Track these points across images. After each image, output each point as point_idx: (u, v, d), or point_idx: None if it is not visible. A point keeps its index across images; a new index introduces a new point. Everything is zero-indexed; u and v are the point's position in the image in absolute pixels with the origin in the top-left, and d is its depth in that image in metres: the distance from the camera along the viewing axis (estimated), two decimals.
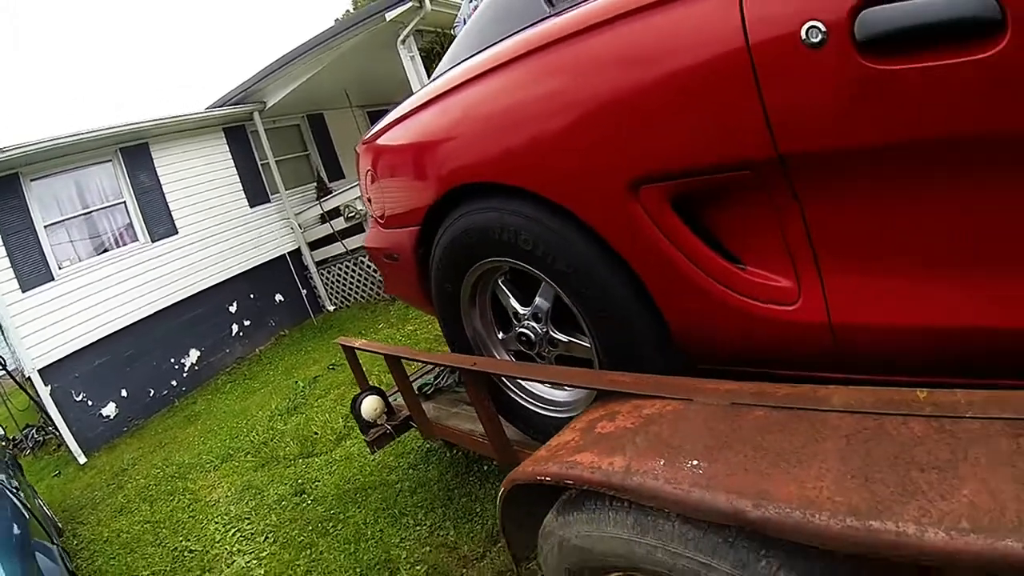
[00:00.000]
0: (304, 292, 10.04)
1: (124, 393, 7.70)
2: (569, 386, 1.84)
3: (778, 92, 1.02)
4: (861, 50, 0.91)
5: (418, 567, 2.56)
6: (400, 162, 2.09)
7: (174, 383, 8.22)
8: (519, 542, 1.47)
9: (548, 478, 1.21)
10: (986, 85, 0.85)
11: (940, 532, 0.73)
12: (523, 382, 2.01)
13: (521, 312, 1.80)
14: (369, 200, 2.40)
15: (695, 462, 1.02)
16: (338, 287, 9.88)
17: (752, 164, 1.11)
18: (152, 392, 7.96)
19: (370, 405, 2.73)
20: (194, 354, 8.53)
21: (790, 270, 1.19)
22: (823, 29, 0.93)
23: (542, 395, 1.97)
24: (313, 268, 10.07)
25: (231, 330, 9.08)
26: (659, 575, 1.09)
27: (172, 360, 8.31)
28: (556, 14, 1.43)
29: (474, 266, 1.82)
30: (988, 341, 1.02)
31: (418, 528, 2.84)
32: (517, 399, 2.02)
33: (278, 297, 9.75)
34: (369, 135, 2.29)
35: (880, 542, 0.76)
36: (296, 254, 10.05)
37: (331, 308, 10.04)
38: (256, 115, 9.60)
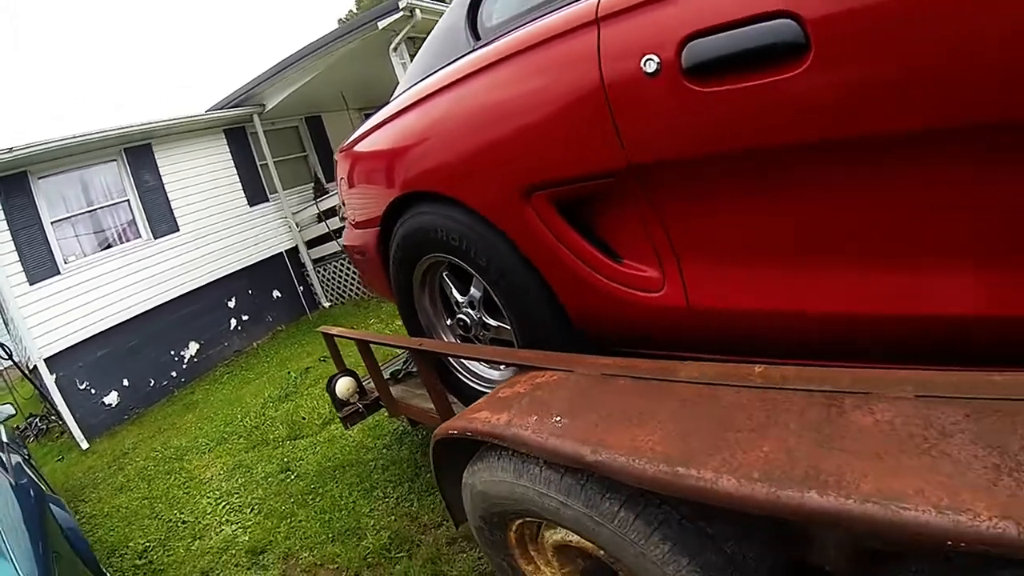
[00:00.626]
0: (301, 289, 10.36)
1: (126, 383, 8.03)
2: (494, 363, 2.15)
3: (626, 113, 1.28)
4: (687, 76, 1.13)
5: (382, 533, 2.87)
6: (364, 171, 2.40)
7: (174, 374, 8.55)
8: (456, 503, 1.77)
9: (455, 431, 1.51)
10: (796, 98, 1.02)
11: (732, 480, 0.87)
12: (467, 363, 2.32)
13: (460, 301, 2.12)
14: (343, 203, 2.71)
15: (559, 418, 1.27)
16: (334, 284, 10.20)
17: (613, 173, 1.39)
18: (152, 382, 8.29)
19: (344, 385, 3.04)
20: (193, 347, 8.86)
21: (656, 262, 1.46)
22: (657, 60, 1.17)
23: (482, 374, 2.29)
24: (310, 266, 10.39)
25: (230, 324, 9.40)
26: (537, 515, 1.38)
27: (172, 352, 8.64)
28: (474, 49, 1.75)
29: (421, 260, 2.13)
30: (820, 325, 1.23)
31: (386, 500, 3.16)
32: (462, 379, 2.33)
33: (275, 293, 10.07)
34: (345, 144, 2.61)
35: (683, 486, 0.93)
36: (293, 252, 10.38)
37: (327, 304, 10.36)
38: (256, 117, 9.93)
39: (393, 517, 2.97)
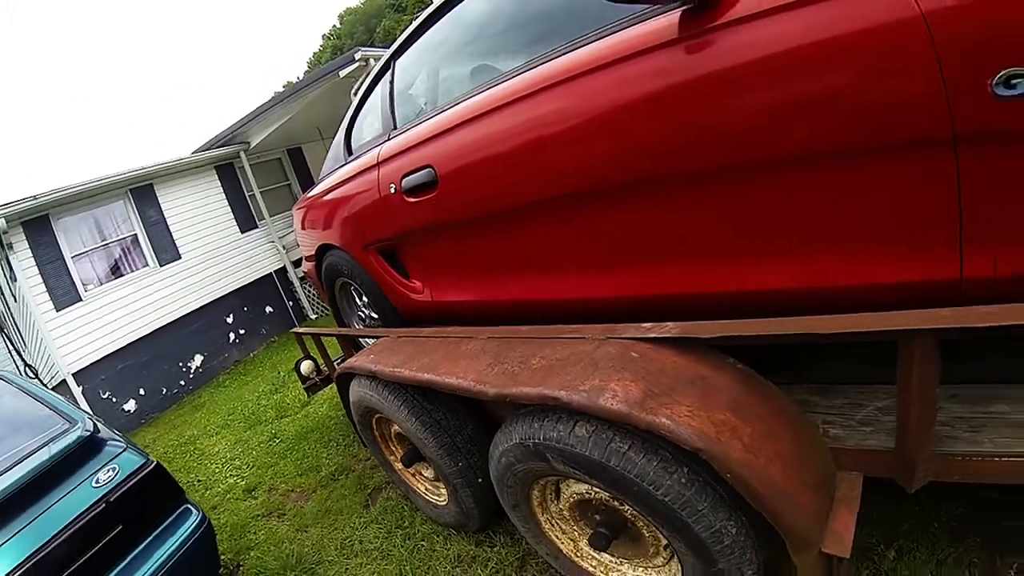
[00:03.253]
0: (290, 304, 11.68)
1: (142, 392, 9.35)
2: (370, 336, 3.45)
3: (387, 211, 2.60)
4: (406, 194, 2.41)
5: (333, 467, 4.17)
6: (305, 224, 3.71)
7: (182, 383, 9.87)
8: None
9: (345, 369, 2.80)
10: (437, 204, 2.25)
11: (445, 378, 1.99)
12: (364, 340, 3.64)
13: (359, 303, 3.44)
14: (298, 243, 4.04)
15: (396, 357, 2.59)
16: (318, 299, 11.50)
17: (392, 239, 2.70)
18: (164, 391, 9.61)
19: (306, 366, 4.33)
20: (198, 358, 10.18)
21: (420, 279, 2.74)
22: (394, 187, 2.46)
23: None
24: (297, 283, 11.70)
25: (229, 338, 10.72)
26: (376, 409, 2.68)
27: (180, 364, 9.96)
28: (348, 162, 3.06)
29: (335, 281, 3.46)
30: (489, 308, 2.53)
31: (338, 448, 4.46)
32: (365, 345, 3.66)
33: (268, 309, 11.39)
34: (297, 204, 3.91)
35: (422, 379, 2.09)
36: (282, 271, 11.69)
37: (313, 317, 11.67)
38: (242, 154, 11.25)
39: (341, 457, 4.27)
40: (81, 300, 9.06)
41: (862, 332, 1.17)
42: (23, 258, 8.66)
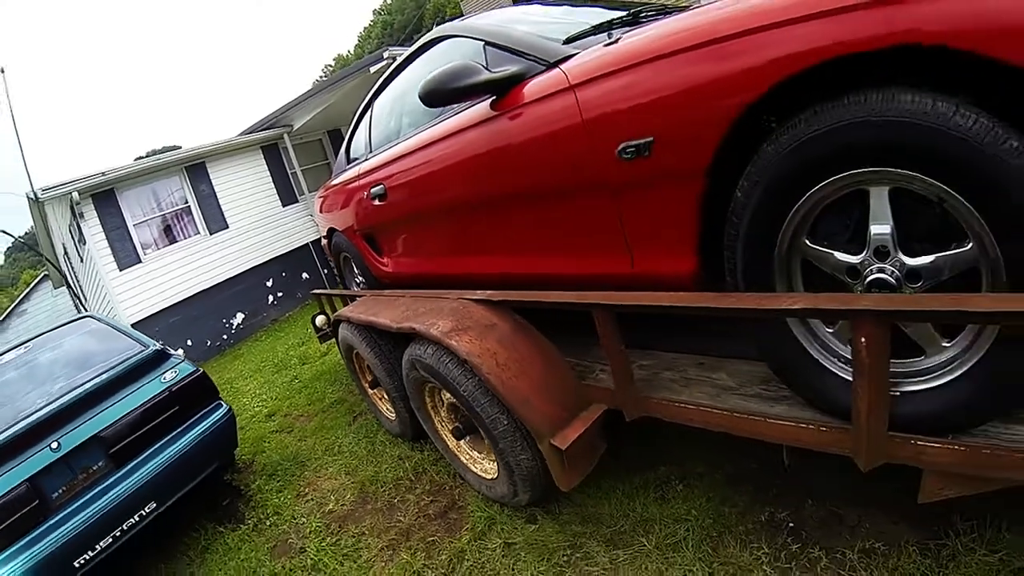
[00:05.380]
0: (324, 272, 12.95)
1: (189, 343, 10.74)
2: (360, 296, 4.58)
3: (362, 211, 3.69)
4: (373, 199, 3.47)
5: (333, 398, 5.34)
6: (321, 209, 4.82)
7: (225, 336, 11.26)
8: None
9: (338, 317, 3.93)
10: (388, 208, 3.34)
11: (386, 320, 3.02)
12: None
13: (355, 271, 4.56)
14: (316, 223, 5.19)
15: (365, 308, 3.70)
16: None
17: (368, 228, 3.80)
18: (208, 343, 11.01)
19: (320, 320, 5.46)
20: (240, 316, 11.54)
21: (387, 255, 3.83)
22: (365, 194, 3.51)
23: None
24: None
25: (267, 299, 12.06)
26: (355, 347, 3.80)
27: (224, 320, 11.34)
28: (347, 168, 4.16)
29: (340, 255, 4.60)
30: (433, 277, 3.53)
31: (340, 386, 5.62)
32: None
33: (304, 275, 12.68)
34: (318, 192, 5.03)
35: (376, 323, 3.11)
36: (317, 242, 12.94)
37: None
38: (286, 136, 12.48)
39: (341, 392, 5.43)
40: (141, 262, 10.48)
41: (567, 303, 2.11)
42: (92, 225, 10.12)
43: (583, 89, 1.89)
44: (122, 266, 10.30)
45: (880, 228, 1.39)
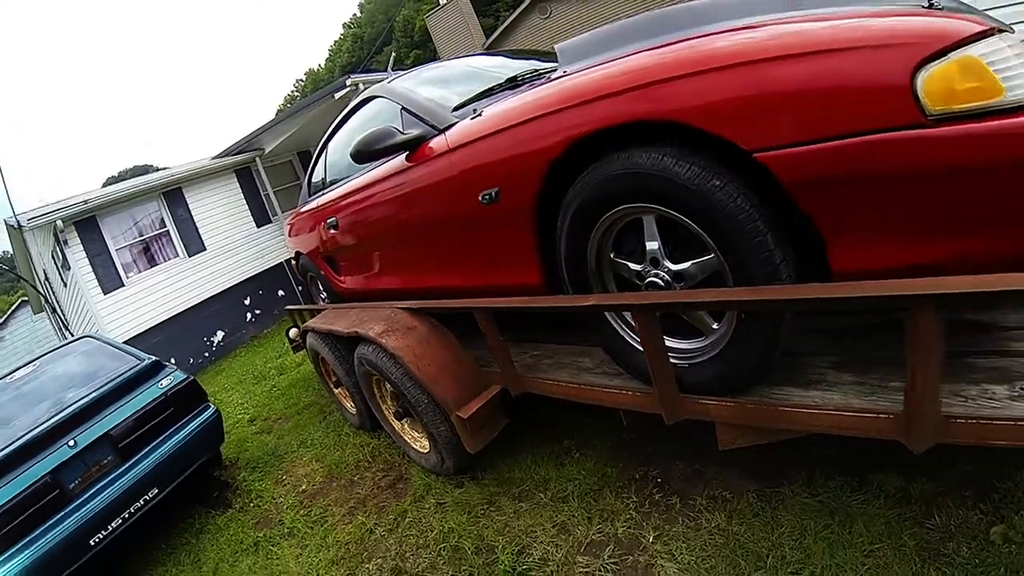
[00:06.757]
0: (299, 288, 13.54)
1: (173, 361, 11.08)
2: (323, 309, 5.28)
3: (321, 237, 4.37)
4: (329, 229, 4.16)
5: (307, 402, 6.00)
6: (290, 232, 5.50)
7: (206, 354, 11.83)
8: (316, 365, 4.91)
9: (307, 328, 4.63)
10: (339, 237, 4.05)
11: (341, 328, 3.93)
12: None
13: (320, 289, 5.24)
14: (287, 245, 5.86)
15: (326, 319, 4.40)
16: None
17: (328, 253, 4.49)
18: (191, 360, 11.57)
19: (293, 332, 6.12)
20: (220, 334, 12.12)
21: (346, 274, 4.52)
22: (324, 224, 4.21)
23: None
24: None
25: (246, 317, 12.65)
26: (319, 354, 4.48)
27: (205, 339, 11.91)
28: (308, 201, 4.85)
29: (307, 275, 5.29)
30: (382, 291, 4.25)
31: (313, 391, 6.28)
32: None
33: (280, 292, 13.29)
34: (287, 218, 5.72)
35: (333, 331, 3.75)
36: (291, 261, 13.51)
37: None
38: (258, 159, 13.10)
39: (314, 397, 6.10)
40: (124, 285, 11.03)
41: (458, 308, 2.82)
42: (76, 251, 10.66)
43: (455, 153, 2.61)
44: (106, 290, 10.86)
45: (652, 244, 2.02)
